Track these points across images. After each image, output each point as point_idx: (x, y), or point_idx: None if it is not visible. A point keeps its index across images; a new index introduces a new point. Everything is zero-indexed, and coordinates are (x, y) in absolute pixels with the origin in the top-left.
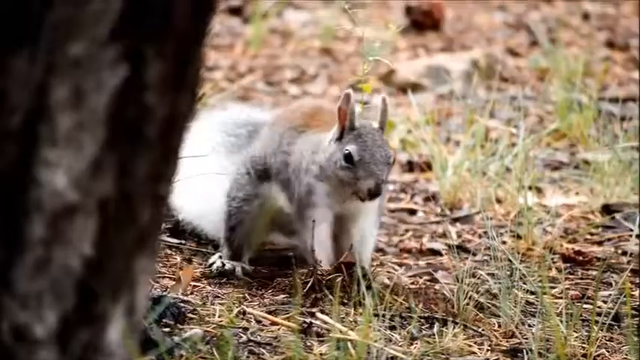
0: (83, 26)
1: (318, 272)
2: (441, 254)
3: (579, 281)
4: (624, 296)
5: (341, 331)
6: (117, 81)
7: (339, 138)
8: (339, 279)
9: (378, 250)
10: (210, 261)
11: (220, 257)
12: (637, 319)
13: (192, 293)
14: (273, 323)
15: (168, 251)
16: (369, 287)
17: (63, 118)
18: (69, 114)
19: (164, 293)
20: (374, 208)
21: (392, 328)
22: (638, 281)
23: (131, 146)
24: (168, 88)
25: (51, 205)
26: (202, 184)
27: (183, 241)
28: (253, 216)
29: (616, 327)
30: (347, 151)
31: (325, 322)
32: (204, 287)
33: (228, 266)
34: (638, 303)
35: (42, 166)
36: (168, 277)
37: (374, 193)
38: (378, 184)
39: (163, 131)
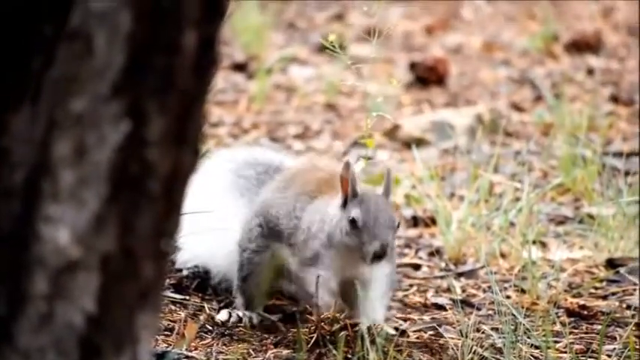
0: (84, 82)
1: (323, 328)
2: (445, 309)
3: (584, 335)
4: (629, 350)
5: None
6: (119, 137)
7: (344, 205)
8: (343, 334)
9: None
10: (223, 314)
11: (231, 311)
12: None
13: (196, 349)
14: None
15: (173, 307)
16: (372, 342)
17: (65, 173)
18: (71, 170)
19: (168, 349)
20: (383, 274)
21: None
22: None
23: (133, 202)
24: (171, 144)
25: (53, 260)
26: (212, 226)
27: (187, 297)
28: (265, 267)
29: None
30: (351, 217)
31: None
32: (208, 343)
33: (243, 317)
34: None
35: (44, 222)
36: (172, 332)
37: (379, 255)
38: (383, 246)
39: (166, 187)
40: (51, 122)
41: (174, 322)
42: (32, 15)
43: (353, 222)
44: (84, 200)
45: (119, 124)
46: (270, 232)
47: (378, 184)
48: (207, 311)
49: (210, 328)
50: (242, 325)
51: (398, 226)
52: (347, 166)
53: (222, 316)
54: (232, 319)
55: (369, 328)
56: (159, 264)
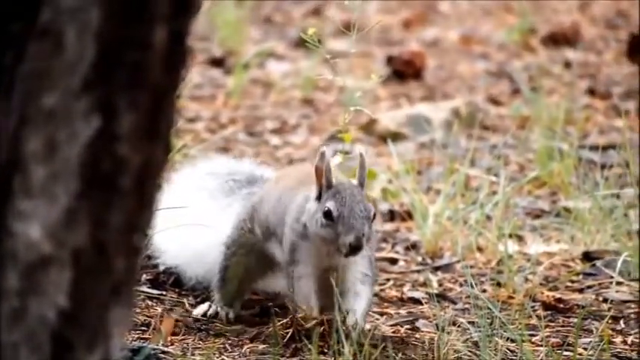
0: (55, 78)
1: (298, 322)
2: (421, 303)
3: (560, 329)
4: (604, 343)
5: None
6: (90, 132)
7: (319, 197)
8: (319, 328)
9: None
10: (201, 308)
11: (209, 305)
12: None
13: (172, 344)
14: None
15: (149, 302)
16: (347, 337)
17: (37, 169)
18: (42, 165)
19: (144, 344)
20: (361, 262)
21: None
22: (618, 328)
23: (105, 197)
24: (142, 139)
25: (26, 256)
26: (195, 229)
27: (164, 292)
28: (248, 267)
29: None
30: (326, 209)
31: None
32: (184, 338)
33: (221, 311)
34: (618, 350)
35: (16, 218)
36: (148, 328)
37: (355, 247)
38: (359, 238)
39: (137, 182)
40: (22, 118)
41: (151, 317)
42: (3, 11)
43: (328, 214)
44: (55, 195)
45: (90, 120)
46: (260, 232)
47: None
48: (184, 306)
49: (186, 323)
50: (219, 319)
51: (374, 217)
52: (322, 155)
53: (199, 310)
54: (209, 313)
55: (343, 322)
56: (131, 259)
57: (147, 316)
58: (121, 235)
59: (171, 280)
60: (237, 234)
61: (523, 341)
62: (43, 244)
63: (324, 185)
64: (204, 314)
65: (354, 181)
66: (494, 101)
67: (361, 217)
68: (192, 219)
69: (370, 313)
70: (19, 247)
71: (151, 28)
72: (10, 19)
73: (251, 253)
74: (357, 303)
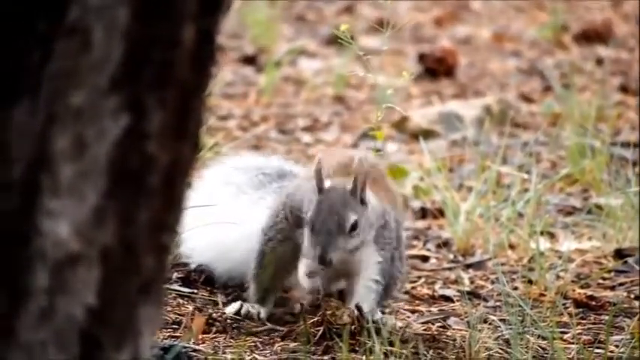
0: (83, 76)
1: (329, 320)
2: (453, 300)
3: (591, 326)
4: (636, 340)
5: None
6: (118, 130)
7: None
8: (350, 326)
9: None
10: (233, 307)
11: (242, 303)
12: None
13: (203, 342)
14: None
15: (180, 300)
16: (378, 333)
17: (65, 167)
18: (70, 163)
19: (175, 342)
20: (371, 268)
21: None
22: None
23: (133, 195)
24: (170, 137)
25: (54, 254)
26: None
27: (195, 290)
28: (285, 258)
29: None
30: (307, 218)
31: None
32: (215, 336)
33: (252, 310)
34: None
35: (45, 216)
36: (179, 326)
37: (325, 264)
38: (322, 255)
39: (165, 180)
40: (50, 116)
41: (182, 315)
42: (30, 10)
43: (307, 223)
44: (83, 194)
45: (118, 118)
46: (294, 222)
47: (395, 176)
48: (215, 304)
49: (217, 321)
50: (250, 318)
51: (354, 227)
52: (318, 161)
53: (231, 309)
54: (242, 312)
55: (374, 321)
56: (160, 257)
57: (178, 315)
58: (149, 234)
59: (202, 279)
60: (273, 220)
61: (554, 339)
62: (71, 242)
63: (317, 190)
64: (237, 313)
65: (347, 185)
66: (526, 98)
67: (330, 231)
68: (222, 214)
69: (402, 310)
70: (47, 245)
71: (179, 27)
72: (38, 18)
73: (287, 241)
74: (366, 298)
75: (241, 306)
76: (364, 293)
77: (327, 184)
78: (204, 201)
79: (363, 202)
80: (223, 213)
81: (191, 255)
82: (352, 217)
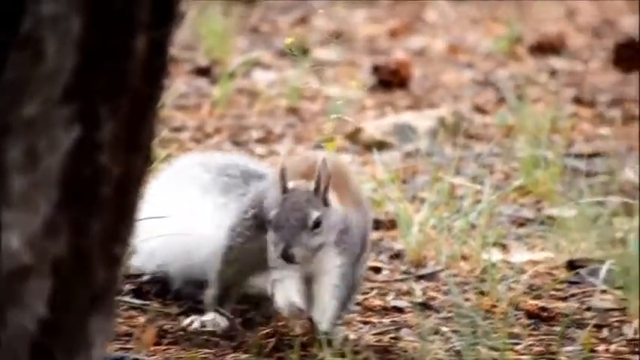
0: (36, 86)
1: (281, 331)
2: (405, 312)
3: (543, 337)
4: (587, 352)
5: None
6: (70, 141)
7: None
8: (301, 338)
9: None
10: (189, 320)
11: (194, 318)
12: None
13: (154, 354)
14: None
15: (132, 312)
16: (329, 345)
17: (17, 179)
18: (23, 175)
19: (126, 354)
20: (332, 272)
21: None
22: (601, 336)
23: (85, 206)
24: (122, 149)
25: (5, 266)
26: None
27: (147, 302)
28: (251, 256)
29: None
30: (270, 217)
31: None
32: (167, 348)
33: (209, 323)
34: (601, 358)
35: None
36: (131, 337)
37: (288, 259)
38: (286, 250)
39: (118, 191)
40: (3, 127)
41: (133, 327)
42: None
43: (269, 222)
44: (36, 205)
45: (71, 129)
46: (263, 222)
47: None
48: (168, 316)
49: (169, 333)
50: (206, 330)
51: (317, 225)
52: (282, 162)
53: (188, 321)
54: (195, 325)
55: (326, 333)
56: (112, 269)
57: (129, 326)
58: (101, 245)
59: (154, 290)
60: (242, 217)
61: (506, 350)
62: (23, 254)
63: (280, 191)
64: (190, 326)
65: (310, 186)
66: (480, 110)
67: (293, 227)
68: (185, 215)
69: (354, 322)
70: None
71: (131, 37)
72: None
73: (254, 240)
74: (328, 306)
75: (195, 320)
76: (326, 300)
77: (291, 184)
78: (167, 198)
79: (326, 202)
80: (187, 214)
81: (148, 259)
82: (315, 214)
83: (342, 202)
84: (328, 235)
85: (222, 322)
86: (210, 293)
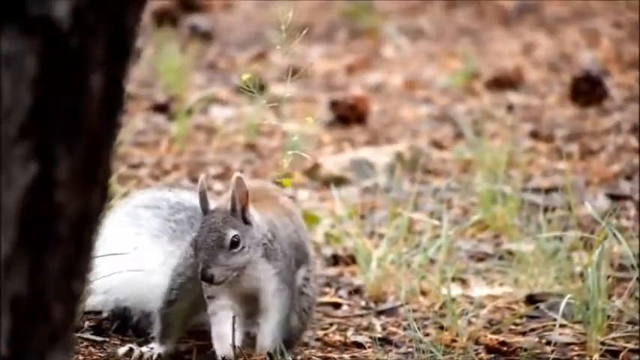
0: None
1: None
2: (365, 347)
3: None
4: None
5: None
6: (27, 179)
7: None
8: None
9: (303, 344)
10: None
11: (131, 347)
12: None
13: None
14: None
15: (92, 349)
16: None
17: None
18: None
19: None
20: (271, 281)
21: None
22: None
23: (42, 243)
24: (79, 186)
25: None
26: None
27: (106, 339)
28: (193, 295)
29: None
30: (192, 239)
31: None
32: None
33: (146, 352)
34: None
35: None
36: None
37: (207, 280)
38: (204, 270)
39: (75, 228)
40: None
41: None
42: None
43: (191, 244)
44: None
45: (27, 166)
46: None
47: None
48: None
49: None
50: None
51: (234, 244)
52: (200, 182)
53: (122, 351)
54: (134, 355)
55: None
56: (70, 305)
57: None
58: (58, 282)
59: (114, 326)
60: (184, 258)
61: None
62: None
63: (202, 212)
64: (128, 355)
65: (226, 207)
66: (437, 145)
67: (212, 246)
68: (135, 260)
69: (314, 358)
70: None
71: (87, 75)
72: None
73: (196, 279)
74: (269, 327)
75: (131, 349)
76: (271, 310)
77: (212, 206)
78: (121, 236)
79: (245, 220)
80: (140, 253)
81: (106, 296)
82: (231, 233)
83: (266, 215)
84: (252, 252)
85: (161, 350)
86: (154, 330)
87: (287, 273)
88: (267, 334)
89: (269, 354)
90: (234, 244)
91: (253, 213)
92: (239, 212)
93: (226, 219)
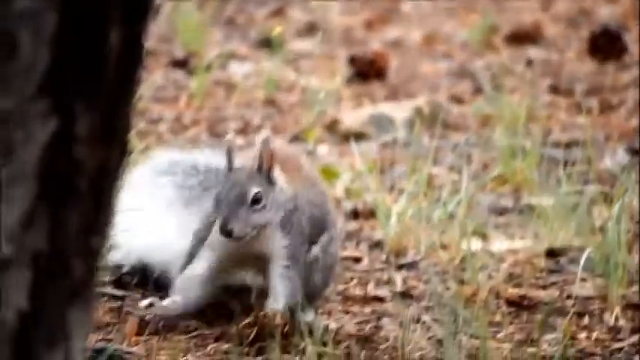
0: (11, 81)
1: (262, 321)
2: (385, 301)
3: (524, 325)
4: (568, 339)
5: None
6: (47, 135)
7: None
8: (282, 327)
9: (324, 298)
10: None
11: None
12: None
13: (136, 344)
14: None
15: (113, 303)
16: (311, 334)
17: None
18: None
19: (107, 345)
20: (280, 253)
21: None
22: (582, 324)
23: (62, 199)
24: (98, 142)
25: None
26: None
27: (127, 293)
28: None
29: None
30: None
31: None
32: (148, 338)
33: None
34: (582, 346)
35: None
36: (112, 328)
37: (227, 234)
38: (224, 224)
39: (94, 184)
40: None
41: (114, 318)
42: None
43: (213, 199)
44: (14, 198)
45: (46, 123)
46: None
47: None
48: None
49: (150, 323)
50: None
51: (256, 201)
52: (228, 141)
53: (144, 304)
54: (157, 305)
55: (307, 322)
56: (89, 261)
57: (110, 317)
58: (78, 237)
59: (134, 281)
60: (206, 220)
61: (487, 338)
62: (2, 246)
63: (227, 170)
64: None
65: (252, 165)
66: (457, 100)
67: (230, 201)
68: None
69: (334, 312)
70: None
71: (106, 31)
72: None
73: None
74: (274, 301)
75: (152, 304)
76: (277, 281)
77: (237, 164)
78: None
79: (270, 181)
80: (154, 224)
81: (127, 252)
82: (254, 190)
83: (292, 184)
84: (273, 213)
85: (182, 305)
86: (174, 288)
87: (298, 248)
88: (271, 303)
89: (290, 309)
90: (256, 201)
91: (279, 176)
92: (264, 171)
93: (251, 176)
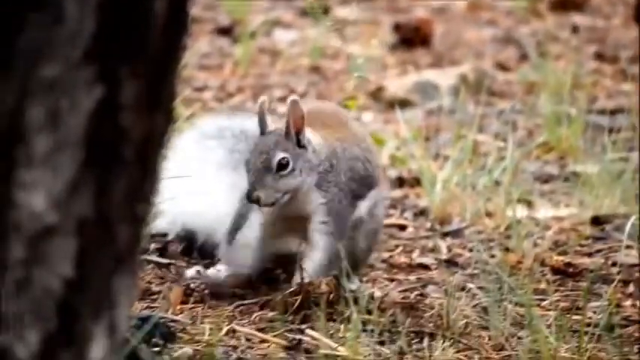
0: (56, 48)
1: (307, 289)
2: (430, 269)
3: (569, 293)
4: (613, 307)
5: (330, 347)
6: (92, 102)
7: None
8: (327, 295)
9: (369, 266)
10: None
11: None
12: (627, 329)
13: (181, 312)
14: (263, 341)
15: (158, 271)
16: (355, 302)
17: (40, 139)
18: (45, 136)
19: (152, 313)
20: (318, 210)
21: (381, 343)
22: (627, 292)
23: (108, 166)
24: (144, 109)
25: (30, 226)
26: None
27: (172, 261)
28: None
29: (606, 337)
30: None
31: (314, 339)
32: (193, 306)
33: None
34: (627, 313)
35: (20, 188)
36: (157, 296)
37: (254, 201)
38: (250, 192)
39: (139, 151)
40: (24, 89)
41: (159, 286)
42: None
43: (244, 164)
44: (59, 165)
45: (92, 90)
46: None
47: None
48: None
49: (195, 291)
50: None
51: (282, 167)
52: (260, 105)
53: (190, 272)
54: (201, 274)
55: (352, 290)
56: (135, 228)
57: (156, 285)
58: (123, 205)
59: (180, 249)
60: None
61: (532, 306)
62: (47, 214)
63: (259, 134)
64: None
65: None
66: (502, 67)
67: (259, 169)
68: (201, 188)
69: (380, 279)
70: (23, 217)
71: None
72: None
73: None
74: (313, 255)
75: (198, 272)
76: (316, 237)
77: (270, 127)
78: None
79: (299, 144)
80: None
81: (172, 220)
82: (279, 155)
83: (330, 142)
84: (305, 177)
85: (228, 273)
86: (221, 253)
87: (338, 204)
88: (310, 264)
89: (335, 276)
90: (282, 166)
91: (312, 138)
92: (293, 135)
93: (278, 141)
